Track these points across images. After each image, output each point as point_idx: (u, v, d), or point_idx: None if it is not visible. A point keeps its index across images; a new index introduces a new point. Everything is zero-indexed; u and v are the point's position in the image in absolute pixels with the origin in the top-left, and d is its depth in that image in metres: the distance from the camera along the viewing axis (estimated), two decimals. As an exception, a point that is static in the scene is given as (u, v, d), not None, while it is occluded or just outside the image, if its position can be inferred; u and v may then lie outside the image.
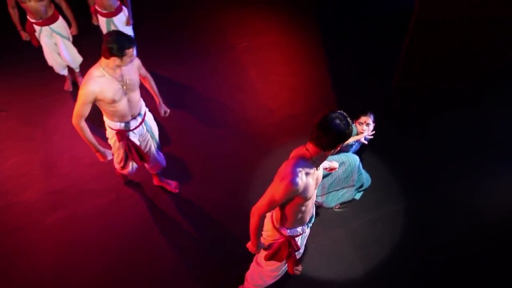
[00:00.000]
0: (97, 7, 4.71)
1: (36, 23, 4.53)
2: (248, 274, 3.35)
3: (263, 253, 2.94)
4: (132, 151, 3.53)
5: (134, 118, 3.45)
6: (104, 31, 4.88)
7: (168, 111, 3.88)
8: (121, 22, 4.79)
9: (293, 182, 2.33)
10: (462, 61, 5.10)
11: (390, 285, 3.70)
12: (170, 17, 6.36)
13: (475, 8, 4.55)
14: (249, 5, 6.58)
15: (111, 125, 3.42)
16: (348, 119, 2.32)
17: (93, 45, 5.49)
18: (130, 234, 3.98)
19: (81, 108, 3.11)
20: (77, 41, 5.01)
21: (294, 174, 2.34)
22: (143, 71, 3.51)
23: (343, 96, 5.23)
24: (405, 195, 4.28)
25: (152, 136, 3.75)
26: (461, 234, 4.00)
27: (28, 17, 4.52)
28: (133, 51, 3.06)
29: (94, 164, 4.41)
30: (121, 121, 3.38)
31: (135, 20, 5.02)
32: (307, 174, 2.40)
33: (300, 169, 2.37)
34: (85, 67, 5.19)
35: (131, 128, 3.46)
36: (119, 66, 3.10)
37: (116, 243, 3.92)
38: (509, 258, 3.86)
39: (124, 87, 3.22)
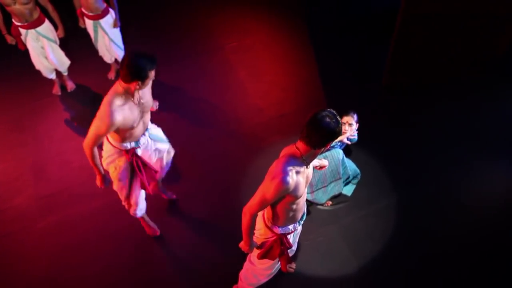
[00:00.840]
0: (83, 10, 4.67)
1: (21, 26, 4.48)
2: (242, 273, 3.36)
3: (256, 252, 2.96)
4: (142, 169, 3.27)
5: (143, 134, 3.24)
6: (91, 33, 4.86)
7: (157, 103, 3.76)
8: (108, 24, 4.77)
9: (283, 181, 2.34)
10: (450, 56, 5.14)
11: (384, 280, 3.73)
12: (158, 18, 6.34)
13: (461, 4, 4.59)
14: (238, 4, 6.57)
15: (119, 146, 3.16)
16: (338, 117, 2.35)
17: (80, 48, 5.49)
18: (125, 236, 3.97)
19: (98, 138, 2.87)
20: (64, 44, 4.97)
21: (285, 173, 2.35)
22: None
23: (333, 95, 5.24)
24: (397, 191, 4.31)
25: (160, 140, 3.52)
26: (453, 228, 4.04)
27: (13, 20, 4.47)
28: (154, 72, 2.84)
29: (85, 167, 4.38)
30: (131, 141, 3.16)
31: (123, 22, 4.99)
32: (297, 172, 2.41)
33: (291, 167, 2.39)
34: (73, 70, 5.22)
35: (140, 145, 3.23)
36: (139, 90, 2.86)
37: (111, 245, 3.91)
38: (502, 251, 3.91)
39: (141, 111, 3.01)
